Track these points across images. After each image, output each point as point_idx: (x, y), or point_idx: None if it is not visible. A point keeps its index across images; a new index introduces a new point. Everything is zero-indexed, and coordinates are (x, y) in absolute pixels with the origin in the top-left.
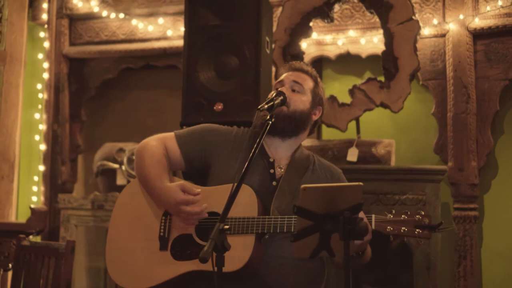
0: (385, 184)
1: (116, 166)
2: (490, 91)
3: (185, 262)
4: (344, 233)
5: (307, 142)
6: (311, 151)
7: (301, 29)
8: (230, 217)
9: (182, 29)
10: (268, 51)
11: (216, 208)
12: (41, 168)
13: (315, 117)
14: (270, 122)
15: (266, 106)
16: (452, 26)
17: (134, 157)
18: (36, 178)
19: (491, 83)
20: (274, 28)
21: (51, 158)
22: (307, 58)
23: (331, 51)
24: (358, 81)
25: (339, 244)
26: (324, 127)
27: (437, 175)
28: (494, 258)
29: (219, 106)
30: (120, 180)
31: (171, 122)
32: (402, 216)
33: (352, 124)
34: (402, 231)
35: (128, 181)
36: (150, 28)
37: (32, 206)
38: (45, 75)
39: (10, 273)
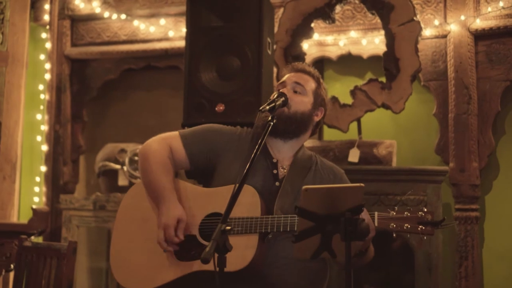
0: (386, 185)
1: (117, 166)
2: (491, 92)
3: (189, 262)
4: (345, 234)
5: (308, 143)
6: (313, 152)
7: (303, 30)
8: (233, 217)
9: (183, 30)
10: (269, 52)
11: (219, 209)
12: (43, 168)
13: (317, 118)
14: (272, 124)
15: (267, 108)
16: (453, 27)
17: (138, 159)
18: (38, 179)
19: (492, 84)
20: (276, 29)
21: (53, 158)
22: (308, 59)
23: (333, 52)
24: (360, 82)
25: (341, 245)
26: (325, 128)
27: (439, 175)
28: (496, 258)
29: (220, 107)
30: (121, 181)
31: (172, 123)
32: (405, 213)
33: (354, 125)
34: (405, 228)
35: (130, 182)
36: (152, 29)
37: (34, 206)
38: (47, 76)
39: (12, 274)
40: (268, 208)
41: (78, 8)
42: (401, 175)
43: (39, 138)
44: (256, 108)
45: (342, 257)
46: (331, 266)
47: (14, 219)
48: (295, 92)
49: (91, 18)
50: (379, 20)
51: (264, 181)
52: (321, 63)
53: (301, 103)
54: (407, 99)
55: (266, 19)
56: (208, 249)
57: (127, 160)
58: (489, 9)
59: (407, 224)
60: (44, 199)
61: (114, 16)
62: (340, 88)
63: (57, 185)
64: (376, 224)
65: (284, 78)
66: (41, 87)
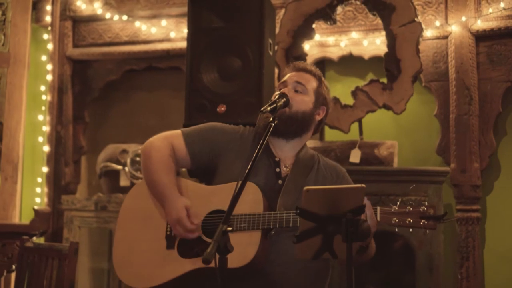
0: (387, 186)
1: (119, 167)
2: (493, 92)
3: (192, 260)
4: (346, 235)
5: (309, 143)
6: (315, 151)
7: (304, 31)
8: (235, 213)
9: (185, 31)
10: (271, 53)
11: (221, 206)
12: (45, 169)
13: (318, 117)
14: (273, 124)
15: (269, 108)
16: (454, 28)
17: (140, 158)
18: (39, 180)
19: (494, 85)
20: (277, 30)
21: (54, 159)
22: (309, 59)
23: (334, 53)
24: (361, 83)
25: (342, 245)
26: (327, 128)
27: (440, 176)
28: (497, 259)
29: (222, 108)
30: (123, 181)
31: (174, 124)
32: (407, 207)
33: (355, 126)
34: (407, 222)
35: (131, 182)
36: (153, 30)
37: (36, 207)
38: (49, 77)
39: (13, 275)
40: (271, 206)
41: (80, 9)
42: (402, 175)
43: (40, 139)
44: (258, 109)
45: (343, 257)
46: (333, 265)
47: (16, 220)
48: (296, 91)
49: (93, 19)
50: (380, 21)
51: (267, 179)
52: (322, 64)
53: (302, 102)
54: (408, 100)
55: (267, 20)
56: (209, 250)
57: (128, 161)
58: (490, 10)
59: (409, 219)
60: (45, 199)
61: (116, 17)
62: (341, 89)
63: (58, 185)
64: (378, 219)
65: (285, 78)
66: (42, 88)
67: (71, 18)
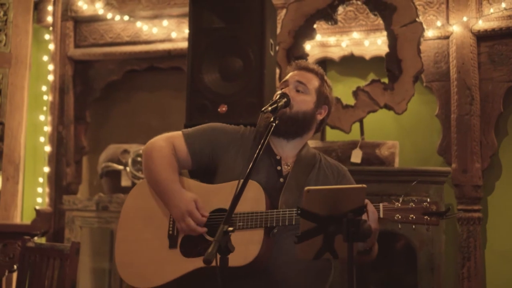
0: (388, 186)
1: (120, 167)
2: (494, 93)
3: (194, 259)
4: (347, 235)
5: (311, 143)
6: (317, 150)
7: (305, 31)
8: (237, 212)
9: (186, 31)
10: (272, 53)
11: (223, 204)
12: (46, 169)
13: (320, 117)
14: (274, 124)
15: (270, 108)
16: (455, 28)
17: (142, 157)
18: (41, 180)
19: (495, 85)
20: (278, 31)
21: (56, 159)
22: (311, 60)
23: (335, 53)
24: (362, 83)
25: (343, 245)
26: (328, 128)
27: (441, 176)
28: (498, 259)
29: (223, 108)
30: (124, 182)
31: (175, 124)
32: (410, 204)
33: (356, 126)
34: (410, 218)
35: (133, 182)
36: (155, 30)
37: (37, 207)
38: (50, 77)
39: (15, 275)
40: (273, 204)
41: (81, 9)
42: (403, 176)
43: (42, 139)
44: (259, 109)
45: (344, 257)
46: (335, 265)
47: (17, 220)
48: (298, 91)
49: (94, 19)
50: (381, 21)
51: (268, 177)
52: (324, 64)
53: (303, 102)
54: (409, 100)
55: (268, 20)
56: (210, 250)
57: (130, 161)
58: (491, 10)
59: (412, 215)
60: (47, 200)
61: (117, 17)
62: (342, 89)
63: (60, 186)
64: (381, 215)
65: (287, 77)
66: (44, 88)
67: (72, 19)
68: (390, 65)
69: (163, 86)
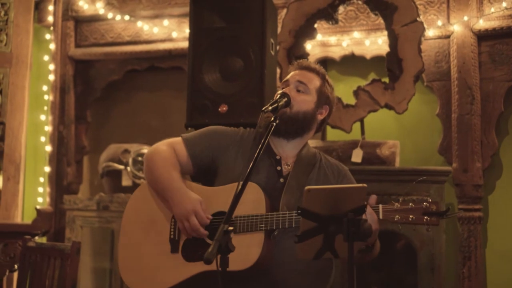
0: (389, 185)
1: (121, 167)
2: (495, 92)
3: (196, 263)
4: (348, 234)
5: (311, 143)
6: (317, 150)
7: (306, 31)
8: (238, 215)
9: (187, 31)
10: (272, 53)
11: (224, 208)
12: (47, 169)
13: (321, 117)
14: (274, 124)
15: (270, 108)
16: (456, 28)
17: (141, 160)
18: (41, 179)
19: (496, 84)
20: (279, 30)
21: (56, 159)
22: (311, 59)
23: (336, 53)
24: (363, 82)
25: (343, 245)
26: (328, 128)
27: (442, 176)
28: (499, 258)
29: (224, 108)
30: (125, 181)
31: (176, 124)
32: (410, 204)
33: (357, 125)
34: (410, 219)
35: (133, 182)
36: (155, 30)
37: (38, 207)
38: (51, 77)
39: (15, 274)
40: (273, 205)
41: (82, 9)
42: (404, 175)
43: (43, 139)
44: (259, 109)
45: (345, 256)
46: (336, 264)
47: (18, 220)
48: (298, 91)
49: (95, 19)
50: (382, 21)
51: (268, 178)
52: (324, 63)
53: (304, 102)
54: (410, 100)
55: (269, 20)
56: (210, 249)
57: (130, 161)
58: (492, 9)
59: (412, 216)
60: (48, 199)
61: (118, 17)
62: (343, 89)
63: (61, 185)
64: (380, 216)
65: (288, 77)
66: (45, 88)
67: (73, 18)
68: (390, 65)
69: (163, 86)
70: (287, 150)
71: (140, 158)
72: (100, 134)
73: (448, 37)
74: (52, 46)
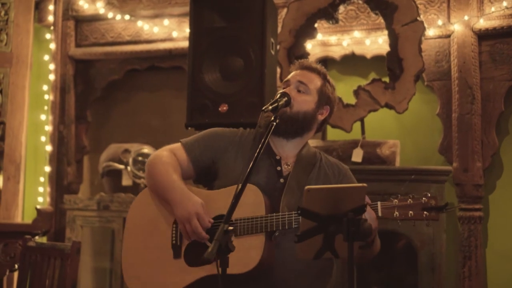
0: (389, 185)
1: (121, 167)
2: (495, 92)
3: (199, 268)
4: (348, 234)
5: (311, 142)
6: (317, 149)
7: (306, 31)
8: (237, 218)
9: (187, 30)
10: (273, 53)
11: (224, 211)
12: (47, 169)
13: (321, 117)
14: (274, 124)
15: (270, 108)
16: (457, 27)
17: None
18: (42, 179)
19: (496, 84)
20: (279, 30)
21: (57, 159)
22: (312, 59)
23: (336, 52)
24: (363, 82)
25: (343, 244)
26: (329, 127)
27: (442, 175)
28: (499, 258)
29: (224, 108)
30: (125, 181)
31: (176, 123)
32: (408, 200)
33: (357, 125)
34: (409, 215)
35: (134, 182)
36: (156, 29)
37: (38, 207)
38: (51, 77)
39: (16, 274)
40: (273, 206)
41: (82, 9)
42: (404, 175)
43: (43, 138)
44: (259, 109)
45: (345, 256)
46: (337, 264)
47: (18, 219)
48: (299, 91)
49: (95, 18)
50: (382, 20)
51: (268, 178)
52: (325, 63)
53: (304, 102)
54: (410, 99)
55: (269, 19)
56: (210, 249)
57: (130, 160)
58: (493, 9)
59: (411, 212)
60: (48, 199)
61: (118, 16)
62: (343, 88)
63: (61, 185)
64: (380, 214)
65: (289, 77)
66: (45, 87)
67: (73, 18)
68: (391, 64)
69: (164, 86)
70: (287, 150)
71: (140, 158)
72: (100, 134)
73: (448, 36)
74: (52, 45)
